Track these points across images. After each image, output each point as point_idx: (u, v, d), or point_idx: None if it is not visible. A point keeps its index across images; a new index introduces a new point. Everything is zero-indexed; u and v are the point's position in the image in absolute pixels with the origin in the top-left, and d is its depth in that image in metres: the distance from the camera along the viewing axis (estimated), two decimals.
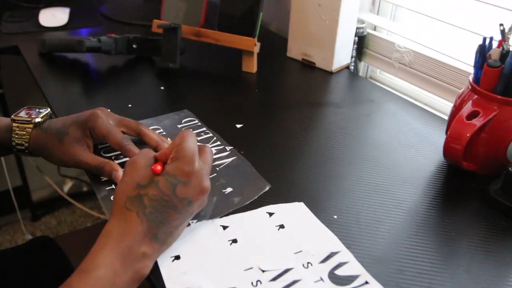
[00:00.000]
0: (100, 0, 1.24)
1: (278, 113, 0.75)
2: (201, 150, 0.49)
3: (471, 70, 0.61)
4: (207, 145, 0.50)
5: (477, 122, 0.56)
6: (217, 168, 0.59)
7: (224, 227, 0.50)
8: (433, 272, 0.46)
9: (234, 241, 0.48)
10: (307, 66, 0.92)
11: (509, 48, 0.57)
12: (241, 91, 0.84)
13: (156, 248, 0.43)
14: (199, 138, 0.66)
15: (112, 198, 0.53)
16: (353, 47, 0.91)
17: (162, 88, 0.82)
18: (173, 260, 0.45)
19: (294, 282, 0.43)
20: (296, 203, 0.54)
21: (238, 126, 0.70)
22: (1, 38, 0.99)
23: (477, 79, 0.59)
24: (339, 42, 0.86)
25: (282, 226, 0.50)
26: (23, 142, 0.56)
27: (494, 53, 0.57)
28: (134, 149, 0.57)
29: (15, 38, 0.99)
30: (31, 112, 0.58)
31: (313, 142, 0.67)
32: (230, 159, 0.61)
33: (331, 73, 0.89)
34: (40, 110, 0.58)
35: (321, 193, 0.56)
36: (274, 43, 1.02)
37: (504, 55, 0.56)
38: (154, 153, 0.48)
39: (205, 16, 0.90)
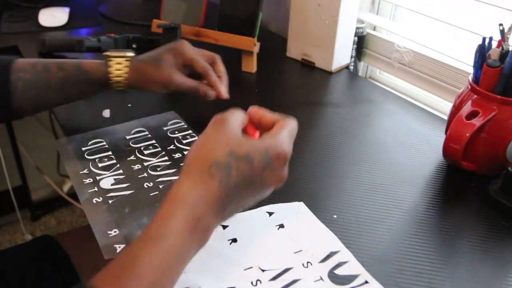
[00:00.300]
0: (100, 0, 1.24)
1: (278, 113, 0.75)
2: (295, 130, 0.45)
3: (471, 70, 0.61)
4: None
5: (477, 122, 0.56)
6: None
7: (224, 227, 0.50)
8: (433, 271, 0.46)
9: (234, 240, 0.48)
10: (307, 66, 0.92)
11: (508, 48, 0.57)
12: (241, 91, 0.84)
13: (218, 222, 0.40)
14: (184, 141, 0.65)
15: (94, 201, 0.53)
16: (353, 47, 0.91)
17: None
18: None
19: (294, 281, 0.43)
20: (296, 203, 0.54)
21: None
22: (1, 38, 0.99)
23: (476, 79, 0.59)
24: (339, 42, 0.86)
25: (282, 226, 0.50)
26: (121, 76, 0.62)
27: (494, 53, 0.57)
28: (215, 77, 0.65)
29: (15, 38, 0.99)
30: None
31: (313, 142, 0.67)
32: None
33: (330, 73, 0.89)
34: (127, 50, 0.64)
35: (320, 193, 0.56)
36: (274, 43, 1.02)
37: (503, 55, 0.56)
38: (243, 116, 0.44)
39: (204, 16, 0.90)
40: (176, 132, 0.67)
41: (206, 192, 0.38)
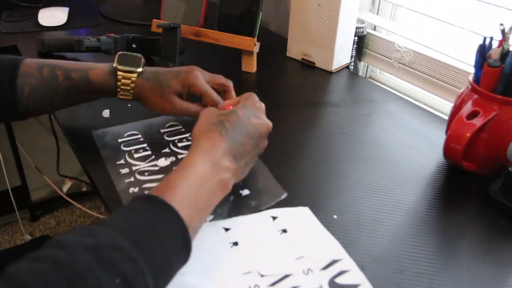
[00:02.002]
0: (100, 0, 1.23)
1: (277, 113, 0.75)
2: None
3: (471, 70, 0.61)
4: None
5: (477, 122, 0.56)
6: None
7: (226, 229, 0.49)
8: (433, 272, 0.46)
9: (235, 243, 0.47)
10: (307, 66, 0.92)
11: (509, 48, 0.56)
12: (241, 91, 0.83)
13: (234, 166, 0.49)
14: (180, 144, 0.65)
15: (131, 190, 0.55)
16: (353, 47, 0.91)
17: None
18: None
19: None
20: (301, 208, 0.53)
21: None
22: (0, 37, 0.99)
23: (477, 79, 0.59)
24: (339, 42, 0.86)
25: (284, 231, 0.49)
26: (128, 92, 0.62)
27: (494, 52, 0.56)
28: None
29: (14, 37, 0.99)
30: (130, 59, 0.63)
31: (313, 142, 0.67)
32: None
33: (330, 73, 0.89)
34: (137, 58, 0.63)
35: (321, 193, 0.56)
36: (274, 43, 1.02)
37: (504, 54, 0.56)
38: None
39: (204, 16, 0.90)
40: (172, 136, 0.67)
41: (214, 141, 0.49)
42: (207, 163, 0.46)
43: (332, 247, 0.48)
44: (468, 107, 0.58)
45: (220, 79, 0.66)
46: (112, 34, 0.87)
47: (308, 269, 0.45)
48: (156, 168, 0.59)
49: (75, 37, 0.87)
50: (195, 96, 0.64)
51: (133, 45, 0.89)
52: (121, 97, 0.63)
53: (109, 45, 0.86)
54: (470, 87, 0.59)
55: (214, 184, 0.46)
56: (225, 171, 0.48)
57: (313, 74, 0.90)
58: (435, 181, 0.60)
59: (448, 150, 0.58)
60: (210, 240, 0.48)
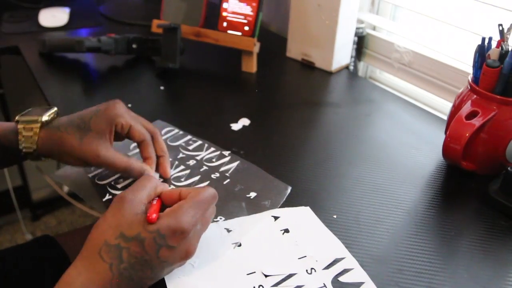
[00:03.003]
0: (100, 0, 1.24)
1: (277, 113, 0.76)
2: (207, 206, 0.44)
3: (470, 70, 0.61)
4: (213, 204, 0.45)
5: (476, 122, 0.56)
6: (227, 174, 0.58)
7: (228, 230, 0.49)
8: (432, 271, 0.46)
9: (238, 244, 0.47)
10: (307, 66, 0.93)
11: (508, 48, 0.57)
12: (241, 91, 0.84)
13: None
14: (190, 147, 0.63)
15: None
16: (353, 47, 0.91)
17: (162, 88, 0.82)
18: None
19: None
20: (302, 208, 0.53)
21: (235, 128, 0.70)
22: (1, 38, 0.99)
23: (476, 79, 0.59)
24: (339, 42, 0.86)
25: (287, 231, 0.50)
26: (30, 144, 0.52)
27: (493, 53, 0.57)
28: (152, 150, 0.55)
29: (15, 38, 0.99)
30: (36, 111, 0.54)
31: (313, 142, 0.68)
32: (235, 163, 0.60)
33: (330, 73, 0.90)
34: (47, 109, 0.54)
35: (320, 193, 0.56)
36: (274, 43, 1.02)
37: (503, 55, 0.56)
38: (152, 188, 0.44)
39: (204, 16, 0.90)
40: (176, 140, 0.65)
41: (97, 276, 0.38)
42: None
43: (335, 246, 0.48)
44: (467, 107, 0.58)
45: (147, 123, 0.56)
46: (113, 35, 0.88)
47: (312, 268, 0.45)
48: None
49: (76, 38, 0.88)
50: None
51: (134, 46, 0.89)
52: (26, 155, 0.52)
53: (109, 45, 0.86)
54: (469, 87, 0.60)
55: None
56: None
57: (313, 74, 0.90)
58: (435, 181, 0.60)
59: (447, 150, 0.58)
60: (213, 242, 0.48)
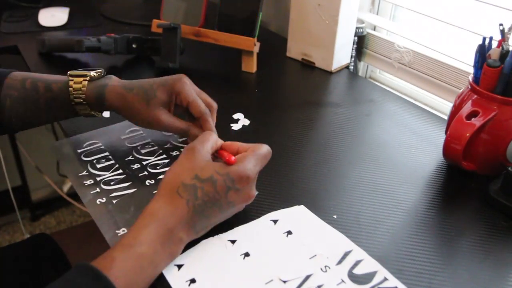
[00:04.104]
0: (100, 0, 1.24)
1: (277, 113, 0.75)
2: (266, 159, 0.50)
3: (471, 70, 0.61)
4: (269, 157, 0.51)
5: (477, 122, 0.56)
6: None
7: (233, 242, 0.48)
8: (433, 272, 0.46)
9: (246, 254, 0.47)
10: (307, 66, 0.92)
11: (508, 48, 0.57)
12: (241, 91, 0.84)
13: (191, 236, 0.45)
14: (180, 139, 0.65)
15: (98, 201, 0.53)
16: (353, 47, 0.91)
17: None
18: (189, 284, 0.43)
19: None
20: (297, 207, 0.53)
21: (235, 128, 0.70)
22: (1, 38, 0.99)
23: (476, 79, 0.59)
24: (339, 42, 0.86)
25: (290, 232, 0.49)
26: (80, 95, 0.57)
27: (494, 53, 0.57)
28: (211, 124, 0.59)
29: (15, 38, 0.99)
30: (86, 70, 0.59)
31: (313, 142, 0.67)
32: None
33: (330, 73, 0.89)
34: (95, 69, 0.60)
35: (320, 193, 0.56)
36: (274, 43, 1.02)
37: (503, 55, 0.56)
38: (214, 141, 0.49)
39: (204, 16, 0.90)
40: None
41: (175, 209, 0.43)
42: (158, 239, 0.42)
43: (340, 240, 0.48)
44: (467, 107, 0.58)
45: (206, 98, 0.62)
46: (112, 34, 0.88)
47: (326, 266, 0.45)
48: (122, 177, 0.57)
49: (76, 37, 0.88)
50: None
51: (133, 45, 0.89)
52: (77, 108, 0.59)
53: (109, 45, 0.86)
54: (469, 87, 0.59)
55: (161, 259, 0.43)
56: (178, 243, 0.44)
57: (313, 74, 0.90)
58: (435, 181, 0.60)
59: (447, 150, 0.58)
60: (220, 256, 0.46)
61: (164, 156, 0.62)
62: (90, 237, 0.66)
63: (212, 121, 0.60)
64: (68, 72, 0.59)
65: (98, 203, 0.53)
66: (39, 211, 1.66)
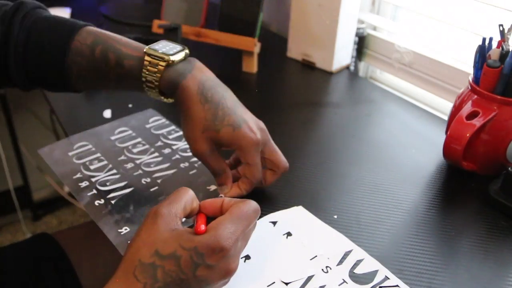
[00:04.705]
0: (101, 0, 1.24)
1: (278, 113, 0.76)
2: (248, 222, 0.41)
3: (471, 70, 0.61)
4: (255, 219, 0.42)
5: (477, 122, 0.56)
6: (196, 165, 0.60)
7: None
8: (433, 272, 0.46)
9: (247, 257, 0.47)
10: (307, 66, 0.93)
11: (508, 49, 0.57)
12: (241, 91, 0.84)
13: None
14: (170, 137, 0.66)
15: (97, 203, 0.53)
16: (353, 47, 0.91)
17: None
18: None
19: None
20: (295, 208, 0.53)
21: None
22: None
23: (476, 79, 0.59)
24: (339, 42, 0.86)
25: (289, 234, 0.49)
26: (153, 80, 0.50)
27: (494, 53, 0.57)
28: (246, 188, 0.52)
29: None
30: (167, 46, 0.52)
31: (313, 142, 0.68)
32: None
33: (331, 73, 0.90)
34: (178, 48, 0.52)
35: (321, 193, 0.56)
36: (274, 43, 1.02)
37: (503, 55, 0.56)
38: (188, 201, 0.41)
39: (205, 16, 0.90)
40: (160, 129, 0.68)
41: None
42: None
43: (339, 240, 0.49)
44: (467, 108, 0.58)
45: (278, 157, 0.53)
46: None
47: (327, 267, 0.45)
48: (117, 177, 0.57)
49: None
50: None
51: None
52: (148, 91, 0.52)
53: None
54: (469, 87, 0.60)
55: None
56: None
57: (313, 74, 0.90)
58: (435, 181, 0.60)
59: (448, 150, 0.58)
60: None
61: (156, 154, 0.62)
62: (92, 237, 0.66)
63: (251, 184, 0.52)
64: (145, 49, 0.50)
65: (97, 204, 0.53)
66: (40, 211, 1.66)
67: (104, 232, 0.49)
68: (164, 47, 0.51)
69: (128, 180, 0.57)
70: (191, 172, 0.59)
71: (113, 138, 0.65)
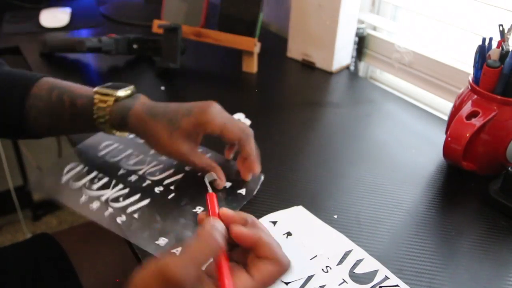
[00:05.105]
0: (101, 0, 1.24)
1: (278, 113, 0.76)
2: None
3: (471, 70, 0.61)
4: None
5: (477, 122, 0.56)
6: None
7: None
8: (433, 272, 0.46)
9: None
10: (307, 66, 0.93)
11: (508, 49, 0.57)
12: (241, 91, 0.84)
13: None
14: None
15: (119, 220, 0.50)
16: (353, 47, 0.91)
17: (162, 88, 0.82)
18: None
19: None
20: (295, 207, 0.53)
21: None
22: (2, 38, 0.99)
23: (476, 79, 0.59)
24: (339, 42, 0.86)
25: (289, 234, 0.49)
26: (103, 115, 0.54)
27: (494, 53, 0.57)
28: (247, 153, 0.54)
29: (16, 38, 0.99)
30: (114, 85, 0.56)
31: (313, 142, 0.68)
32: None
33: (331, 73, 0.90)
34: (125, 86, 0.57)
35: (321, 193, 0.57)
36: (274, 43, 1.02)
37: (503, 55, 0.56)
38: (211, 250, 0.34)
39: (205, 16, 0.90)
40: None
41: None
42: None
43: (339, 240, 0.49)
44: (467, 108, 0.58)
45: (239, 123, 0.55)
46: (114, 35, 0.88)
47: (327, 267, 0.45)
48: (126, 191, 0.54)
49: (77, 38, 0.88)
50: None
51: (134, 46, 0.89)
52: (100, 127, 0.56)
53: (110, 45, 0.86)
54: (469, 87, 0.60)
55: None
56: None
57: (313, 74, 0.90)
58: (435, 181, 0.60)
59: (448, 150, 0.58)
60: None
61: (155, 162, 0.60)
62: (92, 237, 0.66)
63: (248, 147, 0.54)
64: (94, 89, 0.56)
65: (120, 222, 0.50)
66: (40, 211, 1.66)
67: (143, 248, 0.47)
68: (112, 86, 0.56)
69: (140, 192, 0.54)
70: (199, 174, 0.57)
71: (101, 154, 0.61)
